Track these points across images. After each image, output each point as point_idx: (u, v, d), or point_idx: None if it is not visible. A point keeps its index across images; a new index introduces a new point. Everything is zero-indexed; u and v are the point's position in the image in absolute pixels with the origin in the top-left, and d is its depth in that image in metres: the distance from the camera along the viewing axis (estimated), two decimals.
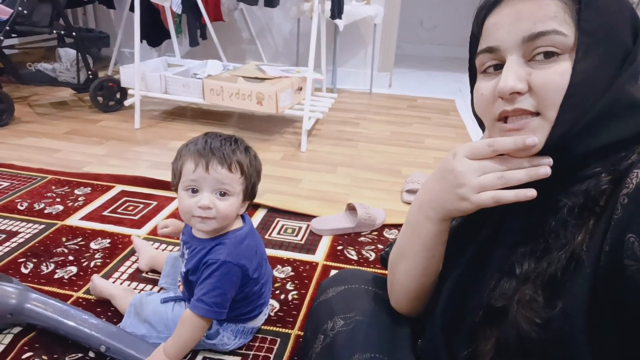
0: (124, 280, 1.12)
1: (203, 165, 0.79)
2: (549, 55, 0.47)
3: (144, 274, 1.15)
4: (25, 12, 2.02)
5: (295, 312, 1.04)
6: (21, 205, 1.43)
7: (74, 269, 1.15)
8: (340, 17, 2.40)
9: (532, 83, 0.47)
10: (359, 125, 2.36)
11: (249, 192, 0.86)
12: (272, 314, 1.03)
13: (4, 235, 1.27)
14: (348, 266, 1.21)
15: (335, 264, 1.22)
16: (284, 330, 0.99)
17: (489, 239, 0.56)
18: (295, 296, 1.09)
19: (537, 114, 0.48)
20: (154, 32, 2.90)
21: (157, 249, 1.23)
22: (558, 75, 0.46)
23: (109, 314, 1.00)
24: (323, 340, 0.69)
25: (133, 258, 1.21)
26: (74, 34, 2.20)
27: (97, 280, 1.05)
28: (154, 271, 1.15)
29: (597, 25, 0.46)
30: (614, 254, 0.41)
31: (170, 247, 1.26)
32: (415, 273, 0.62)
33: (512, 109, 0.48)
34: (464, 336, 0.55)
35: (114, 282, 1.11)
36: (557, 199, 0.49)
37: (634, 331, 0.41)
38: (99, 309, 1.01)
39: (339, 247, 1.29)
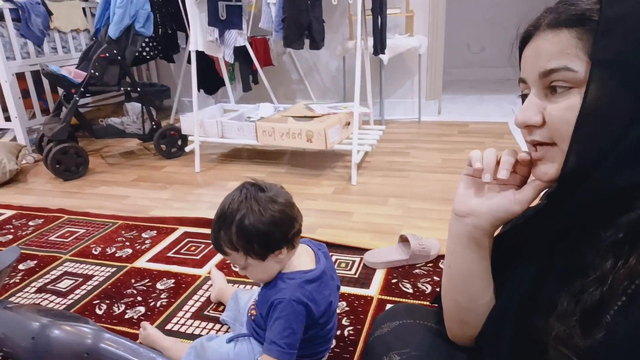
0: (188, 318, 1.18)
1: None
2: (560, 89, 0.49)
3: (205, 312, 1.20)
4: (97, 74, 2.25)
5: (351, 348, 1.04)
6: (95, 250, 1.55)
7: (142, 309, 1.23)
8: (383, 52, 2.45)
9: (546, 116, 0.51)
10: (409, 155, 2.35)
11: (262, 251, 0.85)
12: None
13: (80, 279, 1.38)
14: (404, 300, 1.20)
15: (391, 298, 1.21)
16: None
17: (536, 277, 0.56)
18: (351, 332, 1.09)
19: (554, 143, 0.51)
20: (210, 81, 3.11)
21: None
22: (565, 109, 0.48)
23: None
24: None
25: (195, 297, 1.27)
26: (139, 89, 2.41)
27: (150, 329, 1.07)
28: (218, 307, 1.20)
29: (615, 53, 0.45)
30: None
31: (237, 284, 1.31)
32: (458, 285, 0.63)
33: (529, 139, 0.54)
34: None
35: (178, 321, 1.17)
36: (597, 234, 0.48)
37: None
38: None
39: (394, 280, 1.28)
